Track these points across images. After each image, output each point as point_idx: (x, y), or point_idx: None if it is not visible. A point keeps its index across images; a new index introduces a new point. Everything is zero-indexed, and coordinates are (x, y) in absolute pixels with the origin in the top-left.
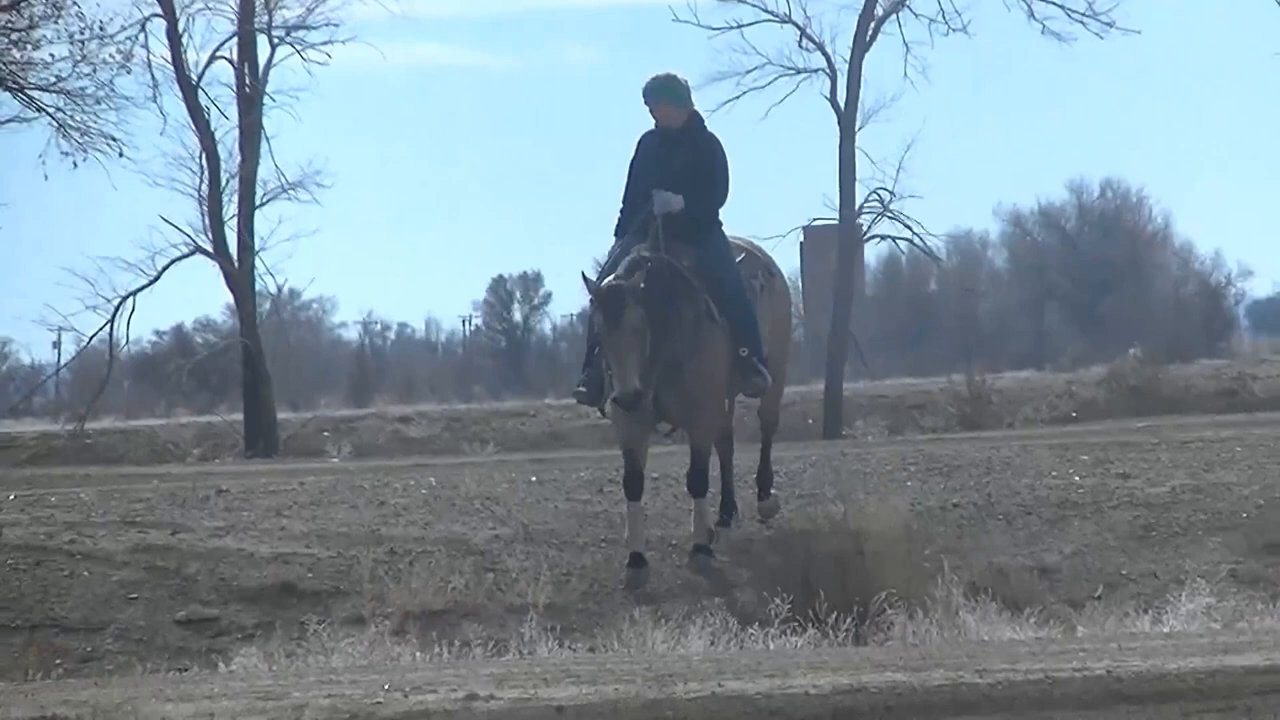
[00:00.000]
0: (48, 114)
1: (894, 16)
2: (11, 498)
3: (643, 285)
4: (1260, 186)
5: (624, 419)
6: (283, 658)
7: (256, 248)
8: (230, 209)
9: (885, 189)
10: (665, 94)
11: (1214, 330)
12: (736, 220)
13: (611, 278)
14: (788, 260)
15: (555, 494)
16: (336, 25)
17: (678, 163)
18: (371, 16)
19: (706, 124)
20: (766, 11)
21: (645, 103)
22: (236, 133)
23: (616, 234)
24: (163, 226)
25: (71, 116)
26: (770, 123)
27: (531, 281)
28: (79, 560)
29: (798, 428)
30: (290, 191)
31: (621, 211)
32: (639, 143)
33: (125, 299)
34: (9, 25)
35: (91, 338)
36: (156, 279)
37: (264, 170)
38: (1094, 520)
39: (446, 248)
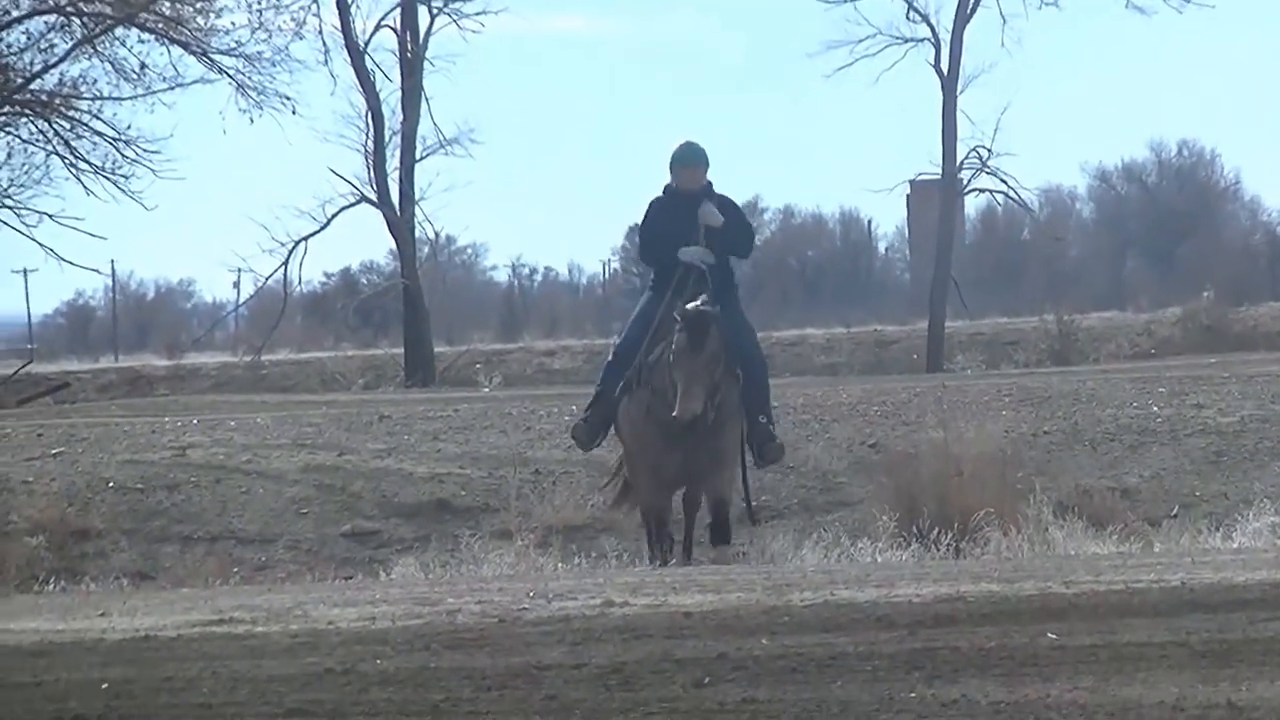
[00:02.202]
0: (228, 76)
1: None
2: (195, 422)
3: (716, 312)
4: None
5: (650, 484)
6: (438, 567)
7: (416, 198)
8: (393, 163)
9: (984, 147)
10: (696, 159)
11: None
12: (851, 178)
13: (699, 302)
14: (895, 212)
15: None
16: None
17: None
18: None
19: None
20: None
21: (673, 167)
22: (399, 94)
23: (654, 288)
24: (332, 178)
25: (249, 78)
26: (880, 88)
27: None
28: (255, 478)
29: (903, 362)
30: (447, 147)
31: (646, 263)
32: (653, 205)
33: (298, 243)
34: None
35: (268, 278)
36: (326, 225)
37: (423, 128)
38: (1170, 446)
39: (588, 199)
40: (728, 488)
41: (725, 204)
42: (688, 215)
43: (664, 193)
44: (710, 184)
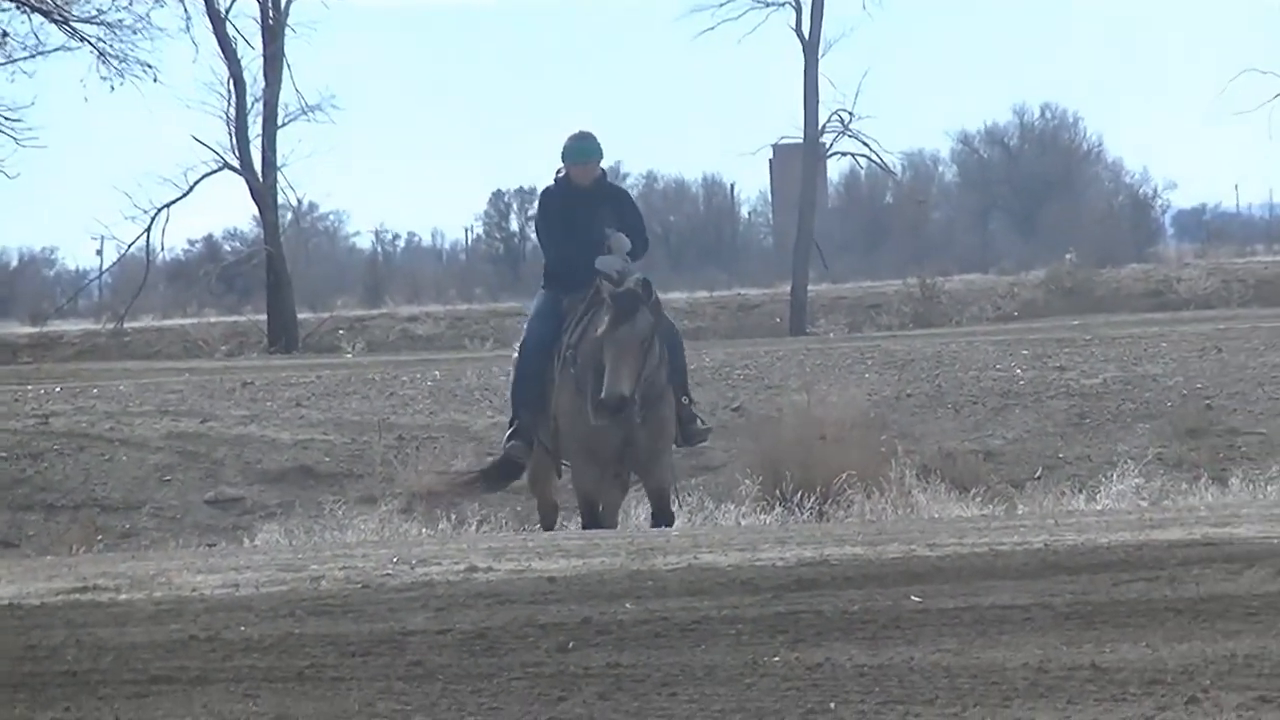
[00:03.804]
0: (89, 43)
1: None
2: (58, 390)
3: (654, 300)
4: (1184, 109)
5: (587, 469)
6: (302, 534)
7: (279, 164)
8: (255, 130)
9: (846, 111)
10: (590, 153)
11: (1142, 237)
12: (712, 139)
13: (630, 283)
14: (759, 176)
15: None
16: None
17: (605, 216)
18: None
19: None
20: None
21: (565, 161)
22: (261, 60)
23: (549, 285)
24: (194, 145)
25: (110, 46)
26: (742, 51)
27: (528, 195)
28: (118, 446)
29: (766, 326)
30: (309, 114)
31: (550, 265)
32: (549, 199)
33: (161, 210)
34: None
35: (130, 245)
36: (189, 192)
37: (285, 95)
38: (1033, 409)
39: (450, 165)
40: (668, 476)
41: (622, 201)
42: (585, 211)
43: (556, 183)
44: (604, 173)
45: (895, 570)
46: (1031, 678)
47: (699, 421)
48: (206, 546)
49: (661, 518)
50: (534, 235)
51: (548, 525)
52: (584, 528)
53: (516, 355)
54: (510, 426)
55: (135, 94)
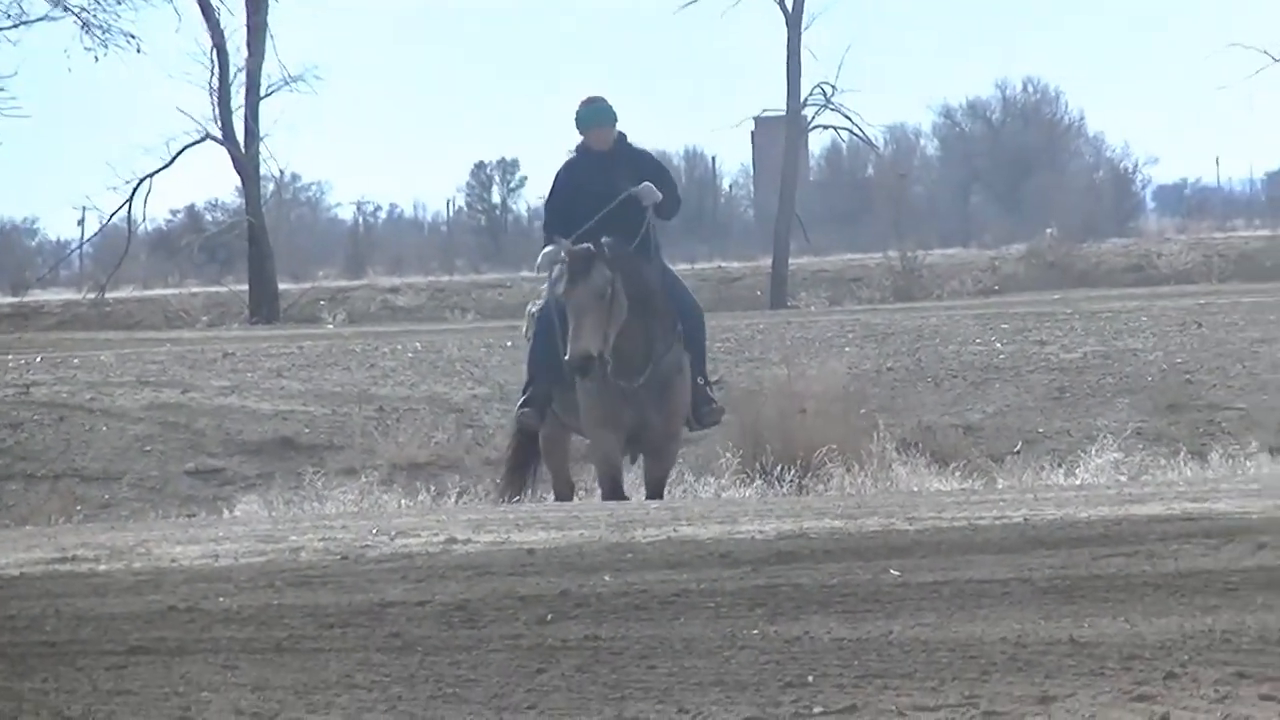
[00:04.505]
0: (73, 13)
1: None
2: (38, 360)
3: (611, 258)
4: (1166, 84)
5: (604, 438)
6: (281, 505)
7: (261, 135)
8: (238, 100)
9: (828, 84)
10: (602, 118)
11: (1123, 212)
12: (695, 112)
13: (586, 246)
14: (740, 149)
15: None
16: None
17: (624, 181)
18: None
19: (629, 140)
20: None
21: (580, 128)
22: (244, 30)
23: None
24: (177, 115)
25: (94, 15)
26: (726, 23)
27: (509, 166)
28: (98, 416)
29: (747, 299)
30: (291, 84)
31: (550, 227)
32: (562, 172)
33: (143, 181)
34: None
35: (112, 216)
36: (171, 163)
37: (268, 65)
38: (1013, 383)
39: (433, 137)
40: (671, 463)
41: (644, 162)
42: (603, 175)
43: (575, 152)
44: (623, 136)
45: (874, 544)
46: (1010, 652)
47: (714, 402)
48: (186, 517)
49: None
50: (517, 206)
51: (560, 498)
52: (604, 498)
53: (534, 321)
54: (524, 393)
55: (118, 64)
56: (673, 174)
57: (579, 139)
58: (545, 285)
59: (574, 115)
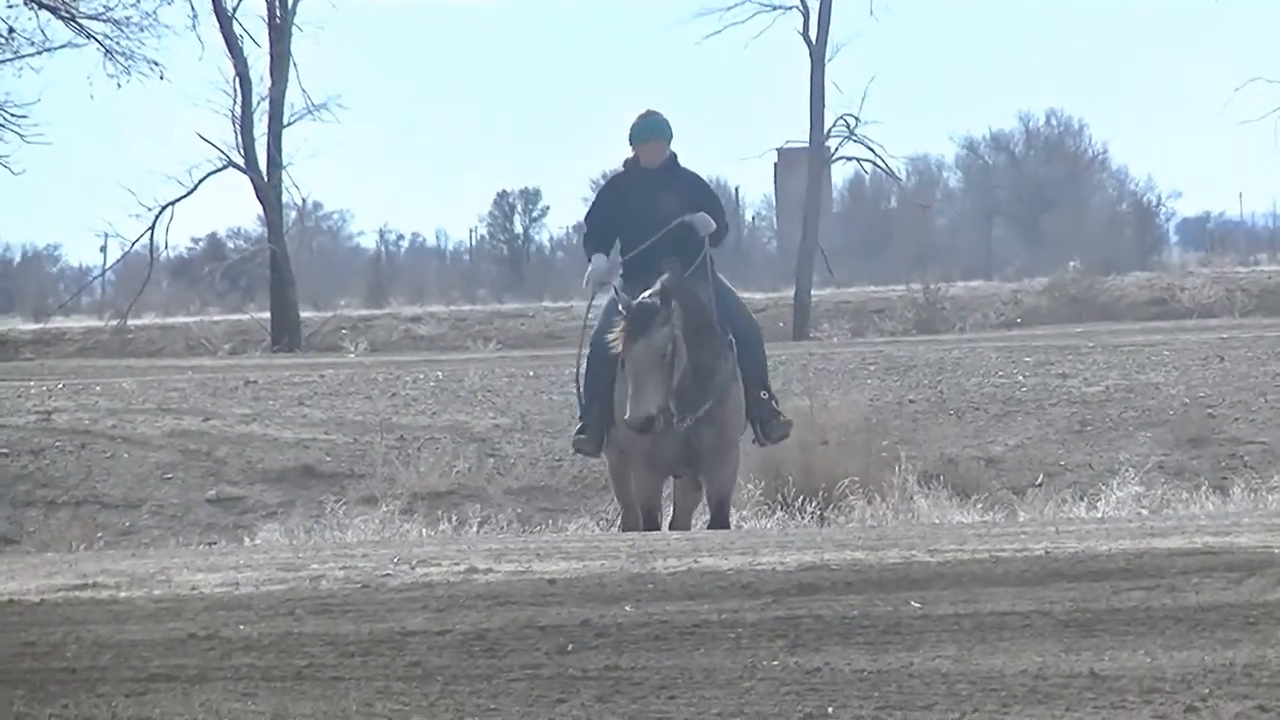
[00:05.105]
0: (96, 40)
1: None
2: (60, 386)
3: (675, 307)
4: (1189, 117)
5: (642, 470)
6: (302, 533)
7: (283, 163)
8: (260, 128)
9: (852, 115)
10: (657, 132)
11: (1146, 245)
12: (717, 143)
13: (645, 295)
14: (763, 180)
15: (550, 387)
16: None
17: (670, 202)
18: None
19: (680, 161)
20: None
21: (633, 142)
22: (267, 59)
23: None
24: (200, 143)
25: (117, 43)
26: (749, 55)
27: (531, 196)
28: (120, 443)
29: (770, 330)
30: (315, 113)
31: (589, 244)
32: (613, 184)
33: (165, 208)
34: None
35: (134, 243)
36: (193, 190)
37: (291, 94)
38: (1035, 416)
39: (455, 166)
40: (730, 481)
41: (693, 184)
42: (648, 194)
43: (624, 166)
44: (674, 155)
45: (895, 576)
46: (1030, 685)
47: (780, 415)
48: (207, 545)
49: (718, 524)
50: (539, 236)
51: (629, 528)
52: (627, 529)
53: (588, 349)
54: (580, 419)
55: (141, 91)
56: (721, 199)
57: (629, 153)
58: (592, 301)
59: (628, 128)
